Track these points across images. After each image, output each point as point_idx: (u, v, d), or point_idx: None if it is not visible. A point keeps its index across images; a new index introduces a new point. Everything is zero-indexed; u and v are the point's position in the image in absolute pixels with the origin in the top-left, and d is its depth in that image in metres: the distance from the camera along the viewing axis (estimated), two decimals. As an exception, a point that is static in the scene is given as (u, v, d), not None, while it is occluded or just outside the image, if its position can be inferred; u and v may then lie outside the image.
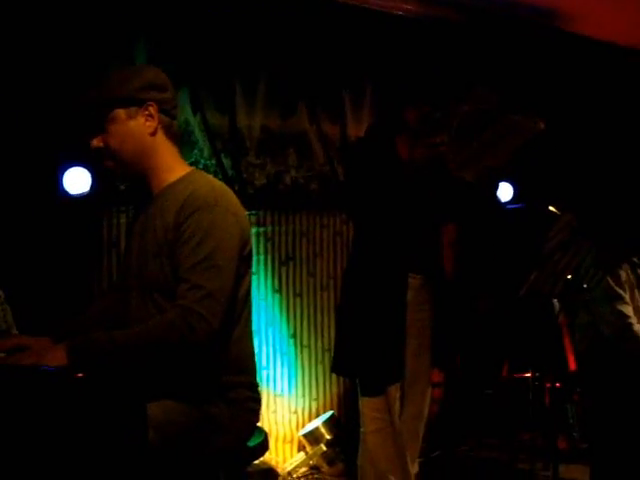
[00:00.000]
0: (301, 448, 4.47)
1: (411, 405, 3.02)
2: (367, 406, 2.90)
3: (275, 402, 4.41)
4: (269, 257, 4.44)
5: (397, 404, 2.94)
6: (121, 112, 2.07)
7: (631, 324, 3.69)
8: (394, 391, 2.89)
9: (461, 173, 2.75)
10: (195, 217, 1.99)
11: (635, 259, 3.87)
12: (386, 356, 2.84)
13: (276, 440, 4.41)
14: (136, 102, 2.07)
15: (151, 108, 2.09)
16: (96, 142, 2.10)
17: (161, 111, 2.11)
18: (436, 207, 3.00)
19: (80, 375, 1.81)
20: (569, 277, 3.54)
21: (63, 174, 3.61)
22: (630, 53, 5.55)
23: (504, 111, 2.64)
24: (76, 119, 2.17)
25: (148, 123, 2.09)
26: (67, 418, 1.74)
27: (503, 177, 3.01)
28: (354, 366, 2.92)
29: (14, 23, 3.55)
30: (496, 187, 3.02)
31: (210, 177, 2.16)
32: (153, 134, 2.11)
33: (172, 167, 2.15)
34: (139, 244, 2.13)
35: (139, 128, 2.09)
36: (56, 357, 1.86)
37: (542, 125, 2.67)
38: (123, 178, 2.19)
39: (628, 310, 3.72)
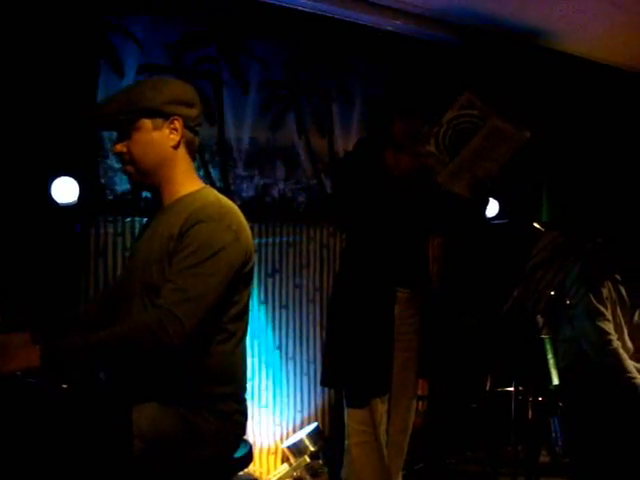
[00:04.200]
0: (285, 460, 4.47)
1: (396, 418, 3.04)
2: (352, 419, 2.91)
3: (259, 413, 4.41)
4: (255, 269, 4.43)
5: (385, 418, 2.95)
6: (147, 122, 2.13)
7: (611, 340, 3.73)
8: (380, 404, 2.90)
9: (451, 186, 2.76)
10: (196, 229, 2.03)
11: (617, 276, 3.92)
12: (372, 368, 2.86)
13: (260, 452, 4.40)
14: (163, 114, 2.13)
15: (177, 122, 2.15)
16: (119, 147, 2.16)
17: (186, 126, 2.17)
18: (424, 220, 3.02)
19: (65, 386, 1.82)
20: (552, 293, 3.57)
21: (51, 183, 3.61)
22: (617, 71, 5.63)
23: (488, 115, 2.65)
24: (104, 125, 2.22)
25: (172, 136, 2.15)
26: (52, 429, 1.75)
27: (494, 192, 3.01)
28: (340, 377, 2.94)
29: (2, 33, 3.56)
30: (486, 202, 3.02)
31: (219, 195, 2.20)
32: (175, 147, 2.17)
33: (186, 181, 2.20)
34: (144, 252, 2.17)
35: (163, 139, 2.15)
36: (29, 358, 1.87)
37: (528, 134, 2.68)
38: (139, 185, 2.23)
39: (608, 327, 3.76)
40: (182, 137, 2.17)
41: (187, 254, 2.00)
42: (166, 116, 2.14)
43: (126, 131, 2.14)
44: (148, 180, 2.19)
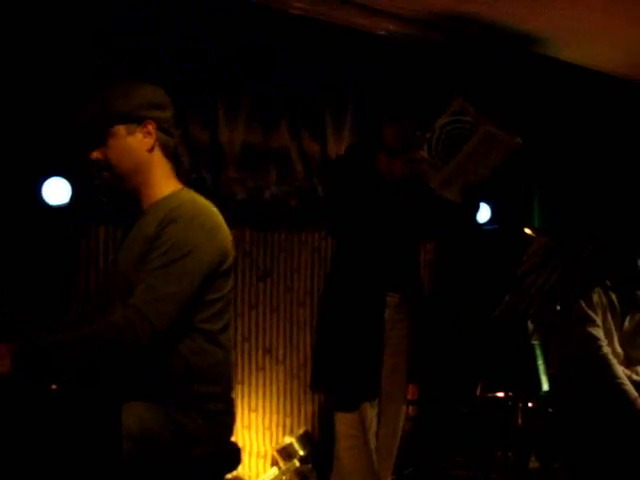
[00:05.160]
0: (274, 464, 4.46)
1: (386, 422, 3.04)
2: (342, 423, 2.92)
3: (249, 417, 4.41)
4: (247, 272, 4.44)
5: (374, 422, 2.95)
6: (121, 128, 2.13)
7: (600, 346, 3.74)
8: (370, 409, 2.90)
9: (443, 192, 2.77)
10: (169, 228, 2.04)
11: (608, 282, 3.93)
12: (362, 372, 2.86)
13: (249, 455, 4.39)
14: (135, 119, 2.14)
15: (150, 126, 2.16)
16: (96, 154, 2.16)
17: (159, 129, 2.18)
18: (416, 225, 3.03)
19: (55, 387, 1.82)
20: (543, 299, 3.58)
21: (43, 184, 3.60)
22: (609, 78, 5.65)
23: (480, 121, 2.66)
24: (76, 133, 2.23)
25: (146, 140, 2.16)
26: (42, 429, 1.74)
27: (484, 197, 3.03)
28: (330, 381, 2.94)
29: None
30: (478, 207, 3.04)
31: (197, 195, 2.21)
32: (150, 150, 2.17)
33: (164, 184, 2.21)
34: (125, 256, 2.18)
35: (137, 144, 2.15)
36: (1, 364, 1.85)
37: (519, 140, 2.70)
38: (117, 191, 2.23)
39: (598, 333, 3.77)
40: (156, 140, 2.18)
41: (158, 254, 2.02)
42: (139, 120, 2.15)
43: (100, 138, 2.15)
44: (125, 185, 2.20)
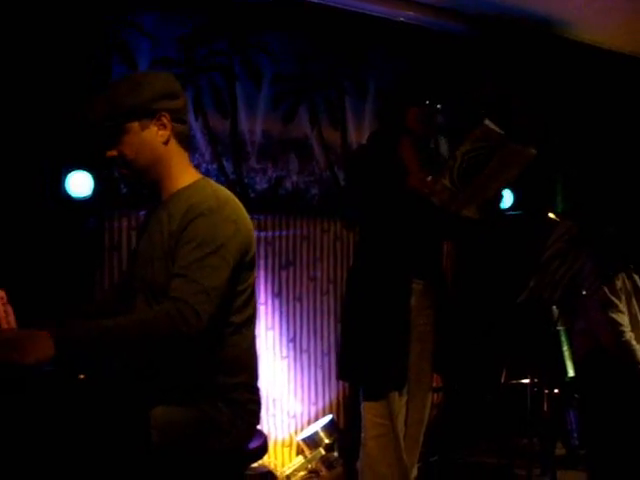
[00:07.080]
0: (300, 452, 4.48)
1: (413, 410, 3.03)
2: (369, 411, 2.91)
3: (274, 406, 4.42)
4: (269, 261, 4.45)
5: (403, 410, 2.94)
6: (134, 124, 2.09)
7: (623, 332, 3.72)
8: (397, 398, 2.89)
9: (461, 211, 2.76)
10: (196, 222, 2.02)
11: (631, 267, 3.90)
12: (389, 360, 2.85)
13: (275, 444, 4.41)
14: (149, 113, 2.09)
15: (164, 118, 2.11)
16: (110, 153, 2.12)
17: (173, 119, 2.13)
18: (437, 226, 3.02)
19: (83, 377, 1.83)
20: (568, 284, 3.56)
21: (66, 177, 3.63)
22: (634, 61, 5.59)
23: (502, 143, 2.63)
24: (90, 133, 2.20)
25: (161, 132, 2.12)
26: (71, 419, 1.76)
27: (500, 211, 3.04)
28: (357, 371, 2.93)
29: (18, 29, 3.57)
30: (496, 217, 3.04)
31: (217, 185, 2.19)
32: (166, 143, 2.13)
33: (182, 174, 2.18)
34: (146, 248, 2.17)
35: (152, 138, 2.11)
36: (42, 347, 1.83)
37: (534, 151, 2.69)
38: (137, 184, 2.22)
39: (622, 318, 3.75)
40: (171, 131, 2.14)
41: (191, 248, 2.00)
42: (152, 114, 2.10)
43: (115, 136, 2.10)
44: (144, 179, 2.17)
